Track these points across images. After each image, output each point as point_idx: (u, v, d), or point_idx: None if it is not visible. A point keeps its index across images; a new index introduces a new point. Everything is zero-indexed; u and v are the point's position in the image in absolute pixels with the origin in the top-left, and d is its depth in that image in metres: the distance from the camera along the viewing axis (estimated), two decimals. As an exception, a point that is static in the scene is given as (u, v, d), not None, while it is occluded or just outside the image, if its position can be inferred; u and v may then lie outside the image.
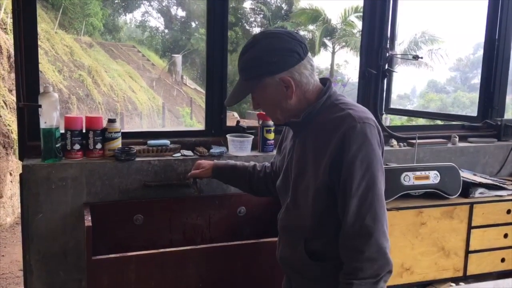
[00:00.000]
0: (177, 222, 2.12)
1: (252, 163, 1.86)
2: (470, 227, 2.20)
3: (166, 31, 23.05)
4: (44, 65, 9.03)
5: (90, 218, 1.80)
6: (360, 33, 2.50)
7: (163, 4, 23.65)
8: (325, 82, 1.42)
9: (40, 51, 9.48)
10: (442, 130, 2.68)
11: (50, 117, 1.92)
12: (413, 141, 2.43)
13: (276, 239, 1.86)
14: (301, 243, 1.42)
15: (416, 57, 2.44)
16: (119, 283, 1.72)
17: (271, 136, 2.27)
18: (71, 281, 2.00)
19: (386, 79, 2.56)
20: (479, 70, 2.73)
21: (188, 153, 2.18)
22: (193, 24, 21.98)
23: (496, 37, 2.65)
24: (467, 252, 2.21)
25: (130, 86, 13.71)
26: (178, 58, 18.63)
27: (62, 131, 2.01)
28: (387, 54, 2.44)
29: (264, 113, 1.81)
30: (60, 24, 13.06)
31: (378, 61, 2.43)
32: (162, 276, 1.77)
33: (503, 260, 2.27)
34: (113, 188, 2.03)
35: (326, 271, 1.39)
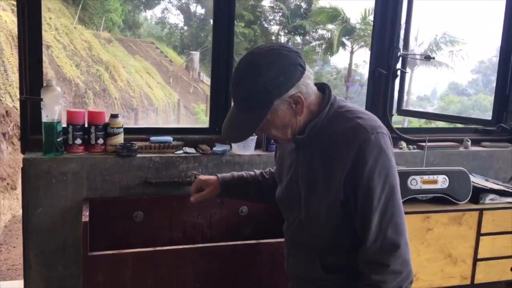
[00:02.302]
0: (177, 220, 2.09)
1: (257, 171, 1.74)
2: (479, 234, 2.13)
3: (185, 28, 23.13)
4: (62, 59, 9.12)
5: (87, 213, 1.78)
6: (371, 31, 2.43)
7: (183, 1, 23.73)
8: (323, 88, 1.31)
9: (58, 46, 9.59)
10: (454, 133, 2.60)
11: (52, 111, 1.91)
12: (423, 143, 2.36)
13: (275, 240, 1.83)
14: (316, 258, 1.35)
15: (428, 58, 2.36)
16: (114, 280, 1.70)
17: (276, 135, 2.23)
18: (69, 276, 1.99)
19: (398, 79, 2.50)
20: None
21: (191, 150, 2.15)
22: (212, 22, 22.01)
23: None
24: (475, 259, 2.14)
25: (147, 82, 13.79)
26: (196, 55, 18.68)
27: (65, 125, 2.00)
28: (399, 54, 2.37)
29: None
30: (79, 19, 13.19)
31: (388, 61, 2.36)
32: (158, 275, 1.74)
33: (513, 269, 2.20)
34: (113, 184, 2.01)
35: (341, 282, 1.34)
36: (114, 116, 2.05)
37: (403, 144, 2.42)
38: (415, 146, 2.43)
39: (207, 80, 19.31)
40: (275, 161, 1.57)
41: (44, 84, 1.94)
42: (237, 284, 1.83)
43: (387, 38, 2.39)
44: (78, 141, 1.99)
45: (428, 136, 2.37)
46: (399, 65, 2.42)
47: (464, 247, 2.12)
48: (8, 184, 5.15)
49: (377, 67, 2.38)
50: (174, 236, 2.10)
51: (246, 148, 2.17)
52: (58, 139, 1.94)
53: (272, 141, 2.05)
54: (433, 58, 2.34)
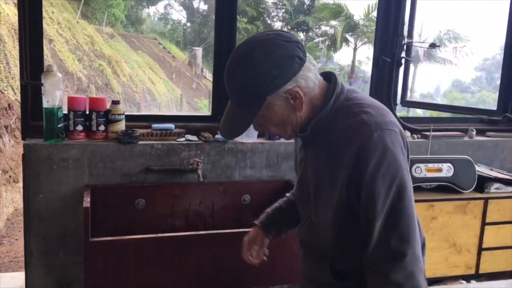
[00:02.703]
0: (179, 208, 2.08)
1: (283, 199, 1.56)
2: (484, 223, 2.10)
3: (188, 24, 23.09)
4: (64, 53, 9.11)
5: (89, 199, 1.77)
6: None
7: (187, -2, 23.69)
8: (329, 77, 1.21)
9: (61, 40, 9.57)
10: (459, 123, 2.57)
11: (52, 97, 1.89)
12: (427, 133, 2.33)
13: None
14: (326, 263, 1.27)
15: (433, 45, 2.34)
16: (116, 266, 1.69)
17: (279, 123, 2.21)
18: (71, 263, 1.98)
19: (402, 70, 2.46)
20: None
21: (193, 138, 2.13)
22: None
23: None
24: (480, 249, 2.12)
25: (149, 77, 13.78)
26: (199, 51, 18.65)
27: (65, 112, 1.99)
28: (403, 42, 2.34)
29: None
30: (82, 14, 13.18)
31: (393, 48, 2.33)
32: (160, 262, 1.72)
33: (518, 259, 2.17)
34: (115, 171, 1.99)
35: None
36: (115, 102, 2.04)
37: (408, 133, 2.39)
38: (419, 136, 2.41)
39: (210, 76, 19.28)
40: (294, 151, 1.46)
41: (45, 70, 1.92)
42: (240, 271, 1.81)
43: (391, 25, 2.36)
44: (79, 127, 1.97)
45: (433, 125, 2.34)
46: (403, 54, 2.39)
47: (469, 236, 2.09)
48: (10, 176, 5.14)
49: (381, 55, 2.35)
50: (176, 224, 2.08)
51: (248, 136, 2.15)
52: (59, 125, 1.93)
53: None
54: (438, 46, 2.32)
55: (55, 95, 1.90)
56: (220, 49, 2.21)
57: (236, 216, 2.14)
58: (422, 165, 2.01)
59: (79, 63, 9.82)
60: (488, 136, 2.53)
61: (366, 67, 21.51)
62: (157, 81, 14.23)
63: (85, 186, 1.94)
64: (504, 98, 2.64)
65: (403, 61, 2.38)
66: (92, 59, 10.63)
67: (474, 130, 2.47)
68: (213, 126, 2.20)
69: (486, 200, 2.08)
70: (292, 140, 1.34)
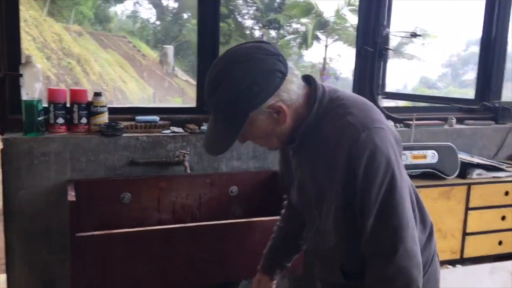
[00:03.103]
0: (166, 201, 2.04)
1: (276, 232, 1.56)
2: (467, 209, 2.15)
3: (158, 22, 22.82)
4: (32, 51, 8.87)
5: (73, 193, 1.72)
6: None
7: (156, -5, 23.40)
8: (309, 81, 1.19)
9: (28, 37, 9.32)
10: (439, 112, 2.62)
11: (32, 89, 1.83)
12: (410, 122, 2.36)
13: (268, 218, 1.79)
14: (337, 266, 1.29)
15: (414, 35, 2.37)
16: (104, 261, 1.64)
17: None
18: (54, 260, 1.91)
19: (382, 60, 2.49)
20: (470, 67, 2.67)
21: (178, 130, 2.09)
22: (185, 16, 21.77)
23: (495, 18, 2.59)
24: (464, 234, 2.16)
25: (120, 76, 13.56)
26: (170, 49, 18.44)
27: (45, 105, 1.92)
28: (384, 32, 2.36)
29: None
30: (49, 12, 12.86)
31: (375, 38, 2.35)
32: (149, 256, 1.69)
33: (500, 243, 2.22)
34: (98, 165, 1.94)
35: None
36: (97, 94, 1.98)
37: (391, 122, 2.42)
38: (401, 125, 2.44)
39: (181, 74, 19.13)
40: (280, 166, 1.46)
41: (23, 61, 1.85)
42: (231, 263, 1.80)
43: (373, 16, 2.38)
44: (60, 120, 1.91)
45: (414, 114, 2.36)
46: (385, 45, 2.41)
47: (453, 222, 2.13)
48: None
49: (363, 45, 2.37)
50: (163, 217, 2.04)
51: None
52: (39, 118, 1.86)
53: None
54: (420, 36, 2.34)
55: (34, 87, 1.83)
56: (204, 37, 2.17)
57: (223, 208, 2.12)
58: (407, 152, 2.04)
59: (48, 62, 9.57)
60: (467, 125, 2.58)
61: (337, 64, 21.75)
62: (128, 80, 14.03)
63: (67, 181, 1.88)
64: (481, 88, 2.70)
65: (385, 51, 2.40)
66: (60, 57, 10.39)
67: (454, 118, 2.52)
68: (198, 117, 2.16)
69: (469, 185, 2.12)
70: None
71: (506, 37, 2.60)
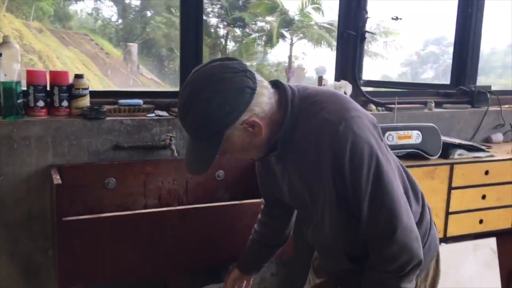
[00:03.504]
0: (152, 187, 1.99)
1: (252, 233, 1.59)
2: (450, 188, 2.18)
3: (120, 21, 22.39)
4: (-8, 47, 8.51)
5: (58, 177, 1.65)
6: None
7: (117, -7, 22.94)
8: (277, 85, 1.20)
9: (-13, 33, 8.94)
10: (417, 96, 2.66)
11: (10, 70, 1.75)
12: (392, 105, 2.39)
13: (257, 200, 1.77)
14: (342, 254, 1.31)
15: (396, 18, 2.40)
16: (92, 246, 1.59)
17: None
18: (37, 250, 1.84)
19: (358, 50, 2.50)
20: (429, 65, 2.74)
21: (163, 113, 2.04)
22: (149, 13, 21.45)
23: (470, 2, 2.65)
24: (447, 213, 2.20)
25: (83, 73, 13.17)
26: (134, 47, 18.12)
27: (24, 88, 1.84)
28: (366, 17, 2.38)
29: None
30: (7, 8, 12.39)
31: (356, 23, 2.37)
32: (139, 239, 1.64)
33: (481, 221, 2.27)
34: (81, 149, 1.87)
35: None
36: (78, 76, 1.91)
37: (372, 106, 2.44)
38: (383, 108, 2.46)
39: (146, 73, 18.84)
40: (258, 175, 1.47)
41: (0, 41, 1.76)
42: (221, 246, 1.77)
43: (354, 0, 2.39)
44: (40, 103, 1.83)
45: (394, 98, 2.39)
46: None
47: (437, 201, 2.17)
48: None
49: (345, 29, 2.38)
50: (149, 203, 1.99)
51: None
52: (19, 101, 1.78)
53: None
54: (401, 19, 2.37)
55: (13, 69, 1.75)
56: (187, 17, 2.12)
57: (210, 193, 2.09)
58: (393, 133, 2.06)
59: (8, 58, 9.22)
60: (445, 108, 2.63)
61: (303, 62, 21.90)
62: (92, 78, 13.67)
63: (49, 166, 1.81)
64: (456, 72, 2.77)
65: (366, 35, 2.42)
66: (21, 54, 10.02)
67: (433, 102, 2.57)
68: (182, 101, 2.12)
69: (451, 165, 2.16)
70: None
71: (481, 21, 2.66)
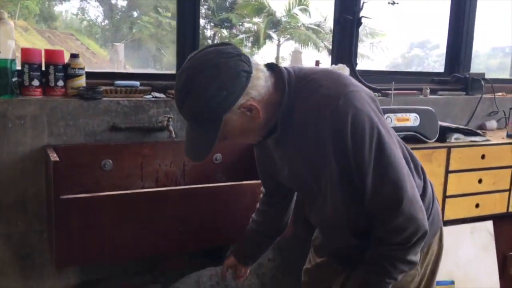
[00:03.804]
0: (149, 169, 1.96)
1: (250, 223, 1.58)
2: (447, 171, 2.19)
3: (106, 21, 22.23)
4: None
5: (55, 154, 1.61)
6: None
7: (103, -7, 22.78)
8: (272, 67, 1.20)
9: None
10: (412, 83, 2.67)
11: (5, 47, 1.71)
12: (388, 91, 2.39)
13: (256, 181, 1.75)
14: (347, 233, 1.29)
15: (392, 3, 2.41)
16: (90, 225, 1.55)
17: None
18: (31, 232, 1.79)
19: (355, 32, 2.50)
20: (413, 68, 2.77)
21: (160, 95, 2.01)
22: (135, 14, 21.34)
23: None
24: (445, 196, 2.20)
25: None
26: (120, 46, 17.95)
27: (19, 68, 1.79)
28: (363, 1, 2.38)
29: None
30: (-9, 6, 12.21)
31: (353, 7, 2.37)
32: (139, 219, 1.62)
33: (477, 205, 2.28)
34: (78, 130, 1.83)
35: None
36: (74, 56, 1.87)
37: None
38: (379, 94, 2.46)
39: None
40: (256, 156, 1.45)
41: (-6, 17, 1.72)
42: (220, 227, 1.75)
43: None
44: (36, 82, 1.79)
45: (390, 84, 2.39)
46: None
47: (435, 184, 2.09)
48: None
49: (342, 13, 2.38)
50: (146, 185, 1.96)
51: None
52: (13, 79, 1.73)
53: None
54: (398, 3, 2.38)
55: (7, 46, 1.71)
56: (184, 8, 2.10)
57: (208, 176, 2.06)
58: (392, 115, 2.06)
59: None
60: (440, 95, 2.64)
61: (288, 63, 21.93)
62: (78, 78, 13.53)
63: (45, 146, 1.77)
64: (450, 60, 2.79)
65: (362, 20, 2.42)
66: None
67: (428, 88, 2.57)
68: (179, 84, 2.09)
69: (449, 148, 2.17)
70: None
71: (475, 9, 2.69)
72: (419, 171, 1.36)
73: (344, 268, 1.44)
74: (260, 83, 1.14)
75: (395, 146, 1.19)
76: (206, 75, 1.08)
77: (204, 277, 2.13)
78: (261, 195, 1.57)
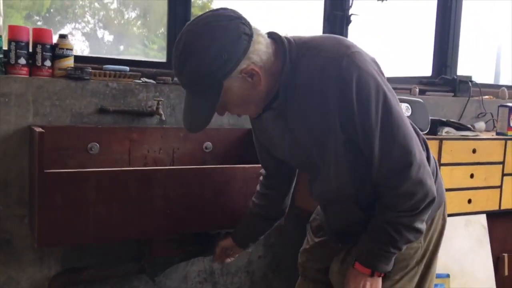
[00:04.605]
0: (137, 154, 1.90)
1: (251, 207, 1.54)
2: (439, 164, 2.16)
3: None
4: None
5: (40, 129, 1.55)
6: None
7: (89, 28, 22.94)
8: (273, 36, 1.17)
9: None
10: (402, 84, 2.68)
11: (-8, 23, 1.66)
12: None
13: (248, 166, 1.72)
14: (354, 207, 1.26)
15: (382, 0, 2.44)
16: (75, 202, 1.49)
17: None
18: (12, 216, 1.70)
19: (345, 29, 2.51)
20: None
21: (150, 81, 1.97)
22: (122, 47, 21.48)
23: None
24: (438, 190, 2.17)
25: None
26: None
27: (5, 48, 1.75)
28: (351, -1, 2.41)
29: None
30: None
31: (343, 4, 2.39)
32: (125, 198, 1.56)
33: (469, 201, 2.25)
34: (64, 111, 1.78)
35: None
36: (63, 36, 1.83)
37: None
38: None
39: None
40: (254, 134, 1.42)
41: (-18, -7, 1.69)
42: (210, 211, 1.69)
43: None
44: (22, 60, 1.74)
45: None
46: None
47: (428, 177, 2.14)
48: None
49: (332, 10, 2.40)
50: (133, 171, 1.89)
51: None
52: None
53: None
54: (387, 0, 2.41)
55: (-6, 21, 1.67)
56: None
57: (198, 164, 1.99)
58: (384, 104, 2.05)
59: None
60: (429, 95, 2.66)
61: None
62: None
63: (29, 126, 1.70)
64: (437, 63, 2.82)
65: (352, 18, 2.44)
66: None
67: (418, 88, 2.59)
68: (169, 72, 2.05)
69: (441, 140, 2.15)
70: None
71: (460, 11, 2.74)
72: (421, 141, 1.32)
73: (344, 245, 1.38)
74: (262, 48, 1.10)
75: (401, 109, 1.16)
76: (205, 38, 1.05)
77: (192, 273, 2.05)
78: (261, 177, 1.52)
